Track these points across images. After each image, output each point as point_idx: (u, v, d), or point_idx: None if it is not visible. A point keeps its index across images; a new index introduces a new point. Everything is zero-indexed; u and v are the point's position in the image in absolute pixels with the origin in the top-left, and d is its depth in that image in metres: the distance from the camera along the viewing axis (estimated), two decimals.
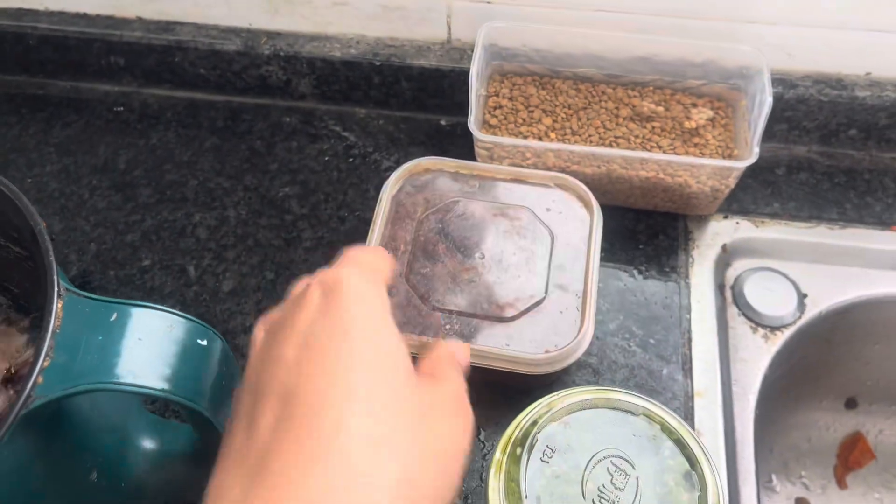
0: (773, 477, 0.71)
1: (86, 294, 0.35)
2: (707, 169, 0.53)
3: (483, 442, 0.50)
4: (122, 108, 0.67)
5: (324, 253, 0.58)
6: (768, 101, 0.52)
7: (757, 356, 0.54)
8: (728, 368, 0.53)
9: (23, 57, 0.66)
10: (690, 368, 0.52)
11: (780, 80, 0.59)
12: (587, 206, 0.53)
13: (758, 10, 0.56)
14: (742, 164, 0.52)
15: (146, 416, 0.45)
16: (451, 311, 0.49)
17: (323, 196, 0.61)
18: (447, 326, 0.48)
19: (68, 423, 0.37)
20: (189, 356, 0.35)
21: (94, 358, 0.33)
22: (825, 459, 0.71)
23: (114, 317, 0.34)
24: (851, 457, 0.71)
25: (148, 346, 0.34)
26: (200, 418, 0.36)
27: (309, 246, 0.58)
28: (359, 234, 0.58)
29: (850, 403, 0.70)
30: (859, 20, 0.56)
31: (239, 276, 0.56)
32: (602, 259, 0.56)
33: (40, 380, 0.32)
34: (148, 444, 0.43)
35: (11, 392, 0.43)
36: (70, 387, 0.32)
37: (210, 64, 0.64)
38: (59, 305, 0.34)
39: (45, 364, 0.32)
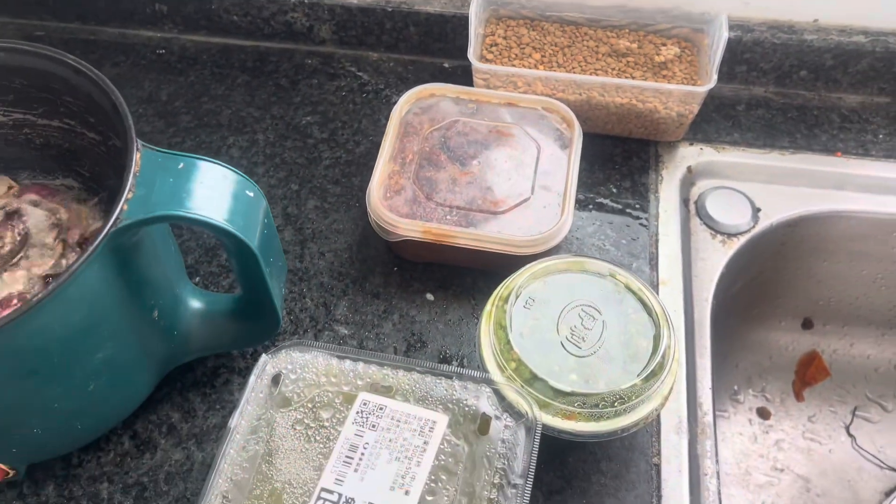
0: (738, 388, 0.79)
1: (159, 149, 0.43)
2: (674, 95, 0.62)
3: (476, 315, 0.58)
4: (163, 51, 0.76)
5: (341, 169, 0.66)
6: (724, 35, 0.61)
7: (715, 257, 0.63)
8: (689, 265, 0.62)
9: (77, 6, 0.75)
10: (657, 264, 0.61)
11: (738, 26, 0.68)
12: (569, 124, 0.62)
13: None
14: (703, 90, 0.61)
15: (191, 286, 0.53)
16: (451, 206, 0.58)
17: (340, 124, 0.69)
18: (447, 218, 0.57)
19: (138, 261, 0.45)
20: (240, 202, 0.44)
21: (167, 194, 0.42)
22: (784, 375, 0.80)
23: (181, 165, 0.43)
24: (808, 373, 0.79)
25: (208, 189, 0.43)
26: (249, 254, 0.44)
27: (328, 164, 0.67)
28: (371, 155, 0.67)
29: (807, 324, 0.79)
30: None
31: (267, 188, 0.65)
32: (583, 178, 0.65)
33: (125, 207, 0.41)
34: (195, 303, 0.52)
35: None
36: (148, 214, 0.41)
37: (242, 11, 0.73)
38: (138, 155, 0.42)
39: (129, 196, 0.41)
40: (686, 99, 0.62)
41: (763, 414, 0.77)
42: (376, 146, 0.68)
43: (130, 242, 0.43)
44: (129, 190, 0.41)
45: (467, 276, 0.59)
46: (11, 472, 0.48)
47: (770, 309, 0.77)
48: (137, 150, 0.43)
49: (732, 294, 0.69)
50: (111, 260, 0.42)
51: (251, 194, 0.45)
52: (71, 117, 0.51)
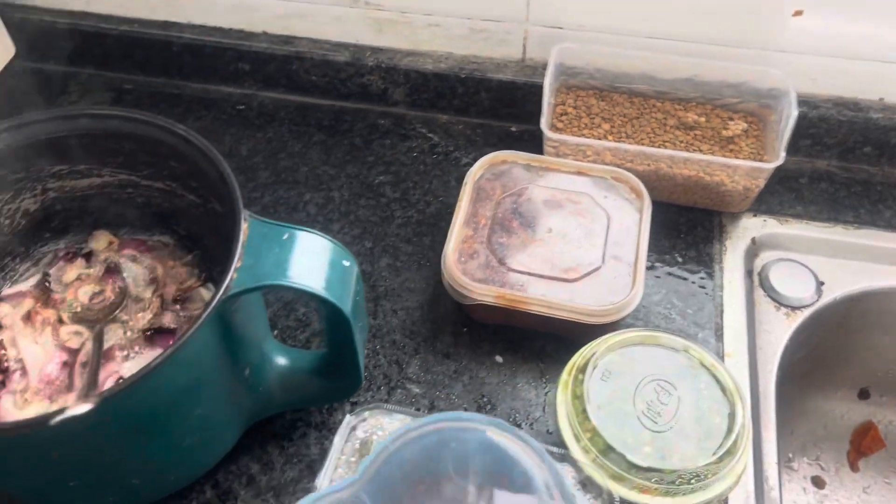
0: (792, 456, 0.79)
1: (264, 219, 0.46)
2: (741, 169, 0.64)
3: (545, 380, 0.59)
4: (243, 107, 0.79)
5: (413, 229, 0.69)
6: (794, 114, 0.63)
7: (779, 329, 0.64)
8: (754, 337, 0.63)
9: (166, 62, 0.79)
10: (722, 335, 0.62)
11: (804, 102, 0.69)
12: (639, 195, 0.63)
13: (788, 41, 0.67)
14: (771, 166, 0.63)
15: (275, 343, 0.56)
16: (523, 272, 0.59)
17: (412, 184, 0.72)
18: (520, 284, 0.59)
19: (236, 322, 0.47)
20: (336, 271, 0.46)
21: (273, 264, 0.44)
22: (839, 445, 0.80)
23: (286, 236, 0.45)
24: (863, 443, 0.79)
25: (309, 259, 0.45)
26: (342, 320, 0.46)
27: (400, 223, 0.69)
28: (441, 215, 0.69)
29: (863, 394, 0.79)
30: (874, 52, 0.66)
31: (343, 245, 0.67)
32: (648, 245, 0.66)
33: (235, 276, 0.43)
34: (279, 360, 0.54)
35: (179, 308, 0.54)
36: (256, 283, 0.43)
37: (321, 72, 0.77)
38: (246, 225, 0.45)
39: (238, 265, 0.44)
40: (753, 174, 0.64)
41: (818, 483, 0.77)
42: (446, 206, 0.70)
43: (233, 308, 0.45)
44: (238, 259, 0.43)
45: (536, 340, 0.61)
46: None
47: (827, 378, 0.77)
48: (245, 220, 0.45)
49: (792, 363, 0.70)
50: (216, 323, 0.44)
51: (347, 263, 0.47)
52: (173, 179, 0.54)
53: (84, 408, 0.36)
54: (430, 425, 0.43)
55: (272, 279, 0.44)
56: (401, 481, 0.41)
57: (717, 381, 0.51)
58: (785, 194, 0.70)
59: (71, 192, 0.55)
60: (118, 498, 0.49)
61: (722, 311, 0.63)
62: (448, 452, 0.42)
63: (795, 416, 0.80)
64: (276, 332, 0.62)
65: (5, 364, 0.50)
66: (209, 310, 0.41)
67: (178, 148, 0.51)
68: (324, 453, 0.55)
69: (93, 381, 0.48)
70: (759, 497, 0.54)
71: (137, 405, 0.41)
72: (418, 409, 0.57)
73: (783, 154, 0.63)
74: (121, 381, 0.45)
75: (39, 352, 0.51)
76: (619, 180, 0.64)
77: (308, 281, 0.44)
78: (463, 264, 0.60)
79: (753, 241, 0.68)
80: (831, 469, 0.79)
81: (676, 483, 0.46)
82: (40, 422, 0.36)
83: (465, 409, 0.58)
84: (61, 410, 0.36)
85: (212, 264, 0.56)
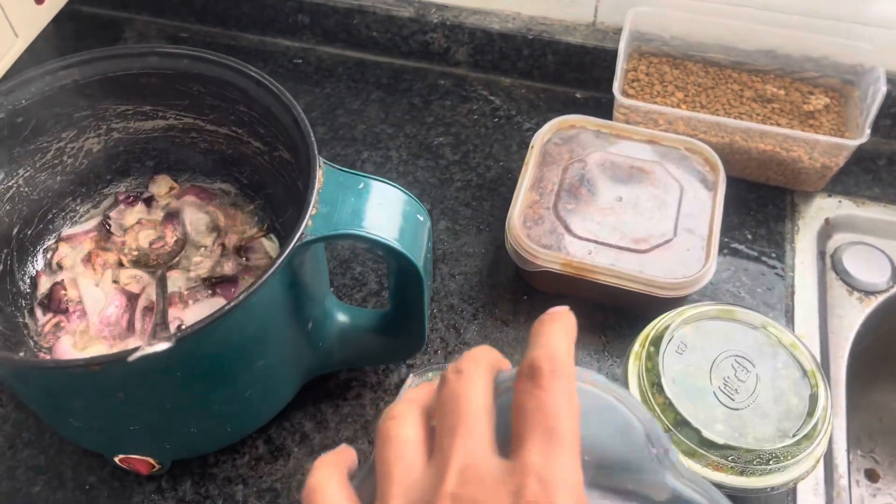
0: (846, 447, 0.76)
1: (340, 167, 0.44)
2: (820, 146, 0.61)
3: (607, 354, 0.58)
4: (300, 61, 0.77)
5: (472, 192, 0.67)
6: (882, 90, 0.60)
7: (852, 314, 0.61)
8: (826, 321, 0.60)
9: (224, 11, 0.78)
10: (792, 316, 0.59)
11: (889, 80, 0.66)
12: (713, 168, 0.61)
13: (873, 13, 0.64)
14: (854, 143, 0.60)
15: (336, 300, 0.54)
16: (590, 240, 0.57)
17: (472, 147, 0.70)
18: (588, 253, 0.57)
19: (303, 273, 0.45)
20: (411, 225, 0.44)
21: (348, 212, 0.42)
22: (894, 439, 0.77)
23: (361, 185, 0.44)
24: None
25: (385, 211, 0.43)
26: (414, 275, 0.45)
27: (460, 186, 0.67)
28: (502, 180, 0.67)
29: None
30: None
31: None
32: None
33: (310, 223, 0.42)
34: (340, 317, 0.53)
35: (243, 259, 0.53)
36: (331, 231, 0.42)
37: (383, 27, 0.74)
38: (321, 172, 0.43)
39: (313, 212, 0.42)
40: (833, 151, 0.61)
41: (872, 476, 0.75)
42: (507, 171, 0.68)
43: (302, 257, 0.44)
44: (313, 206, 0.42)
45: (599, 312, 0.59)
46: (157, 466, 0.49)
47: (886, 370, 0.75)
48: (320, 166, 0.43)
49: (858, 351, 0.67)
50: (286, 272, 0.42)
51: (421, 218, 0.45)
52: (240, 125, 0.52)
53: (162, 346, 0.34)
54: None
55: (348, 227, 0.42)
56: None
57: (797, 361, 0.48)
58: (861, 175, 0.68)
59: (135, 134, 0.53)
60: (175, 446, 0.48)
61: (793, 293, 0.61)
62: None
63: (850, 407, 0.77)
64: (331, 290, 0.61)
65: (65, 305, 0.49)
66: (285, 254, 0.40)
67: (249, 91, 0.49)
68: (379, 415, 0.54)
69: (163, 323, 0.47)
70: (829, 484, 0.52)
71: (208, 349, 0.40)
72: None
73: (868, 132, 0.60)
74: (185, 326, 0.44)
75: (99, 294, 0.50)
76: (692, 151, 0.62)
77: (384, 233, 0.42)
78: (528, 229, 0.58)
79: (827, 221, 0.65)
80: (885, 463, 0.76)
81: (753, 463, 0.44)
82: (118, 357, 0.34)
83: None
84: (138, 348, 0.35)
85: (275, 215, 0.55)
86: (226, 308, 0.38)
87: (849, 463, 0.54)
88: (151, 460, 0.48)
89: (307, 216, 0.41)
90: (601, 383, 0.40)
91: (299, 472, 0.52)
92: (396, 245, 0.43)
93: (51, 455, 0.53)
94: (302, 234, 0.41)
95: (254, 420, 0.50)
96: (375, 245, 0.43)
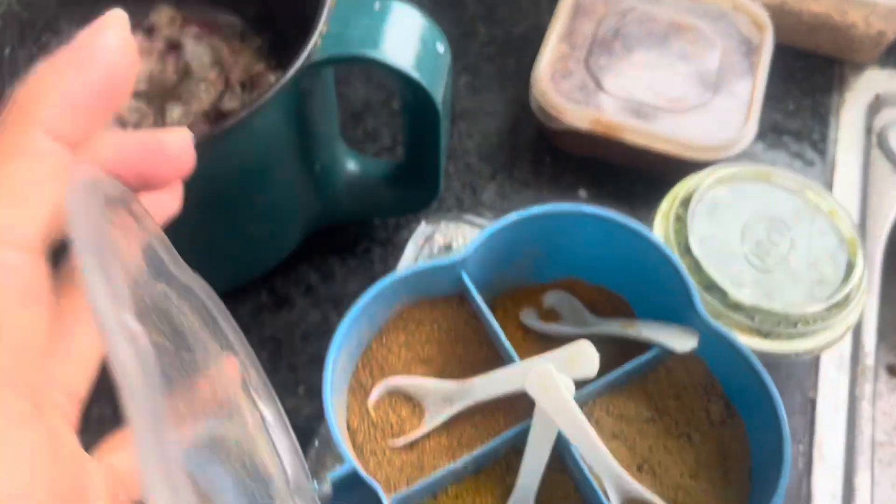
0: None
1: None
2: (880, 9, 0.56)
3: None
4: None
5: (497, 48, 0.62)
6: None
7: (893, 193, 0.57)
8: (866, 200, 0.57)
9: None
10: (831, 188, 0.56)
11: None
12: (760, 28, 0.56)
13: None
14: None
15: (346, 147, 0.51)
16: (623, 99, 0.53)
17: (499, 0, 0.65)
18: (618, 110, 0.53)
19: (311, 107, 0.42)
20: (430, 55, 0.41)
21: (362, 33, 0.39)
22: None
23: (377, 6, 0.40)
24: None
25: (403, 35, 0.40)
26: (431, 110, 0.41)
27: (484, 41, 0.63)
28: (529, 38, 0.62)
29: None
30: None
31: None
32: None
33: (319, 42, 0.38)
34: (350, 165, 0.50)
35: (245, 93, 0.49)
36: (343, 51, 0.38)
37: None
38: None
39: (323, 31, 0.38)
40: (892, 16, 0.56)
41: (893, 371, 0.73)
42: (536, 29, 0.63)
43: (310, 84, 0.40)
44: (324, 24, 0.38)
45: (626, 176, 0.56)
46: None
47: None
48: None
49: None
50: (292, 98, 0.39)
51: (441, 49, 0.42)
52: None
53: None
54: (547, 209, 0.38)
55: (360, 49, 0.38)
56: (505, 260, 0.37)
57: (835, 227, 0.45)
58: None
59: None
60: None
61: (833, 168, 0.57)
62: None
63: (884, 297, 0.75)
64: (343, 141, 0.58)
65: None
66: (291, 73, 0.37)
67: None
68: (387, 270, 0.52)
69: None
70: (854, 361, 0.50)
71: (205, 170, 0.37)
72: None
73: None
74: None
75: None
76: (739, 10, 0.57)
77: (400, 58, 0.39)
78: (556, 83, 0.54)
79: (877, 96, 0.60)
80: None
81: (780, 326, 0.42)
82: None
83: None
84: None
85: (283, 52, 0.51)
86: (226, 126, 0.35)
87: (877, 343, 0.52)
88: None
89: (315, 35, 0.38)
90: (626, 221, 0.37)
91: (303, 323, 0.50)
92: (413, 73, 0.39)
93: None
94: (310, 53, 0.37)
95: (256, 265, 0.48)
96: (389, 71, 0.39)
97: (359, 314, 0.36)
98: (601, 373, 0.35)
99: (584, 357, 0.34)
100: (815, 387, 0.48)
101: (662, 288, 0.38)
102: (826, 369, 0.49)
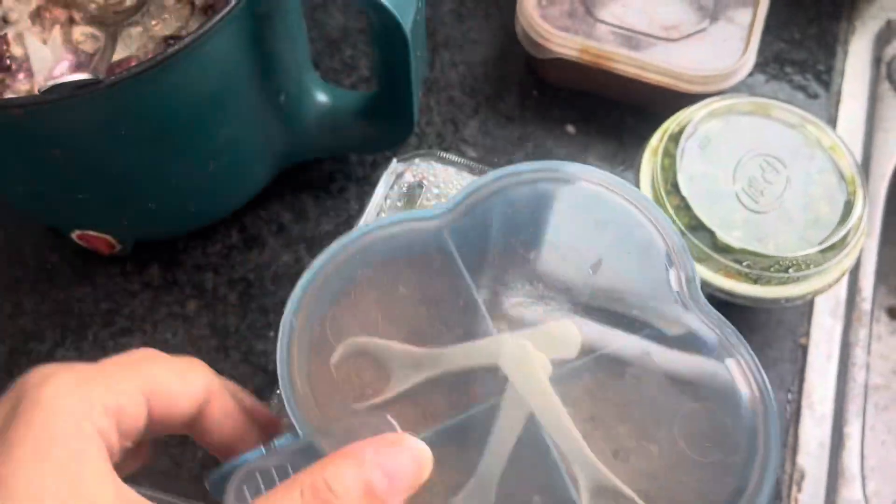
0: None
1: None
2: None
3: (622, 158, 0.52)
4: None
5: None
6: None
7: None
8: (871, 135, 0.54)
9: None
10: (835, 127, 0.53)
11: None
12: None
13: None
14: None
15: (318, 79, 0.48)
16: (614, 25, 0.50)
17: None
18: (609, 38, 0.49)
19: (272, 35, 0.39)
20: None
21: None
22: None
23: None
24: None
25: None
26: (399, 37, 0.38)
27: None
28: None
29: None
30: None
31: None
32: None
33: None
34: (321, 97, 0.47)
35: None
36: None
37: None
38: None
39: None
40: None
41: (893, 314, 0.71)
42: None
43: (267, 8, 0.37)
44: None
45: (615, 110, 0.53)
46: (118, 246, 0.45)
47: None
48: None
49: None
50: (248, 25, 0.36)
51: None
52: None
53: (82, 76, 0.29)
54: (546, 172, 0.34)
55: None
56: (494, 233, 0.34)
57: (835, 165, 0.42)
58: None
59: None
60: (134, 224, 0.44)
61: (838, 101, 0.54)
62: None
63: (884, 239, 0.72)
64: (317, 73, 0.54)
65: (7, 61, 0.44)
66: None
67: None
68: (362, 212, 0.49)
69: None
70: (850, 306, 0.48)
71: (154, 101, 0.35)
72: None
73: None
74: None
75: (47, 52, 0.44)
76: None
77: None
78: (543, 9, 0.50)
79: (889, 24, 0.56)
80: None
81: (770, 270, 0.39)
82: (35, 99, 0.29)
83: None
84: (56, 86, 0.29)
85: None
86: (170, 51, 0.32)
87: (874, 286, 0.50)
88: (110, 238, 0.44)
89: None
90: (618, 185, 0.34)
91: (274, 264, 0.48)
92: None
93: (10, 232, 0.49)
94: None
95: (222, 203, 0.46)
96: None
97: (314, 277, 0.33)
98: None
99: (565, 337, 0.32)
100: (807, 333, 0.46)
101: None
102: (819, 314, 0.47)
